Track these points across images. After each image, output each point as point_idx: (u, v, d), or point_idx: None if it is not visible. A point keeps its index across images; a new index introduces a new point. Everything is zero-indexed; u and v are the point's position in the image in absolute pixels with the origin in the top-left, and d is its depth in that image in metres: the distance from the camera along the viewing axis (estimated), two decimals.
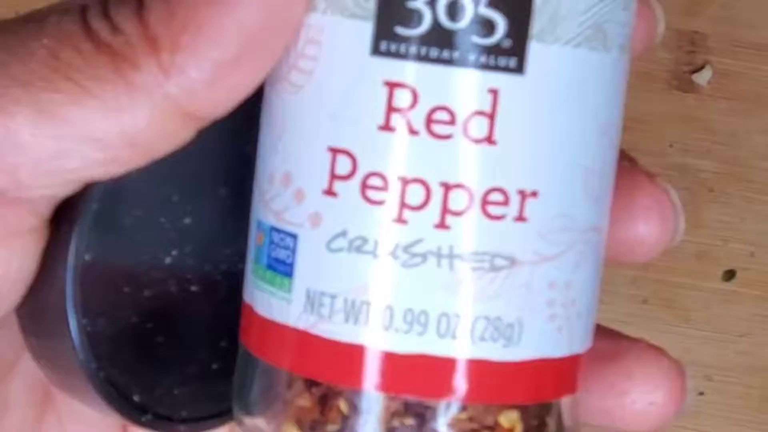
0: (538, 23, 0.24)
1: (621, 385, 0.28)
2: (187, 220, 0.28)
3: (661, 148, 0.51)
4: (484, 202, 0.24)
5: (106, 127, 0.24)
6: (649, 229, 0.28)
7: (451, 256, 0.24)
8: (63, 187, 0.25)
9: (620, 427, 0.29)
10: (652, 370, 0.28)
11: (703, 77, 0.51)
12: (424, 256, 0.24)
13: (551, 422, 0.26)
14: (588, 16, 0.24)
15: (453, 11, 0.23)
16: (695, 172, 0.51)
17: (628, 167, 0.28)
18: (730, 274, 0.51)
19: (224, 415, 0.28)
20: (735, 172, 0.51)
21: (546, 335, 0.25)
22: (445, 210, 0.24)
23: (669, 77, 0.51)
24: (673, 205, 0.28)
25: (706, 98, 0.51)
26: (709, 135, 0.51)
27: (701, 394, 0.51)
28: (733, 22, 0.51)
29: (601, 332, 0.28)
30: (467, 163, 0.24)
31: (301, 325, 0.25)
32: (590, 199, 0.25)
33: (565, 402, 0.26)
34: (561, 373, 0.26)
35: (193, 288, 0.28)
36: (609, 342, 0.29)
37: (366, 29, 0.24)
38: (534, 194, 0.24)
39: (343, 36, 0.24)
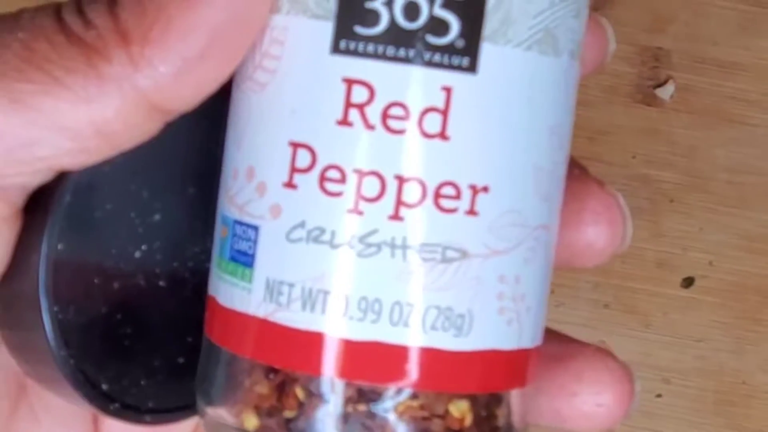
0: (490, 25, 0.25)
1: (570, 387, 0.29)
2: (157, 217, 0.28)
3: (625, 159, 0.52)
4: (437, 196, 0.25)
5: (76, 116, 0.25)
6: (597, 233, 0.29)
7: (405, 247, 0.25)
8: (34, 176, 0.26)
9: (570, 428, 0.30)
10: (601, 373, 0.29)
11: (665, 92, 0.52)
12: (378, 247, 0.25)
13: (500, 415, 0.27)
14: (539, 21, 0.25)
15: (409, 12, 0.24)
16: (657, 183, 0.52)
17: (579, 174, 0.29)
18: (688, 282, 0.52)
19: (190, 408, 0.29)
20: (695, 184, 0.52)
21: (496, 327, 0.26)
22: (399, 202, 0.25)
23: (633, 91, 0.52)
24: (621, 211, 0.29)
25: (669, 112, 0.52)
26: (670, 147, 0.52)
27: (659, 396, 0.52)
28: (696, 39, 0.52)
29: (552, 336, 0.29)
30: (421, 158, 0.25)
31: (261, 313, 0.26)
32: (540, 197, 0.26)
33: (515, 396, 0.27)
34: (510, 366, 0.26)
35: (161, 283, 0.29)
36: (559, 345, 0.30)
37: (326, 29, 0.25)
38: (485, 189, 0.25)
39: (305, 35, 0.25)
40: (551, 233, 0.27)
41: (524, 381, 0.27)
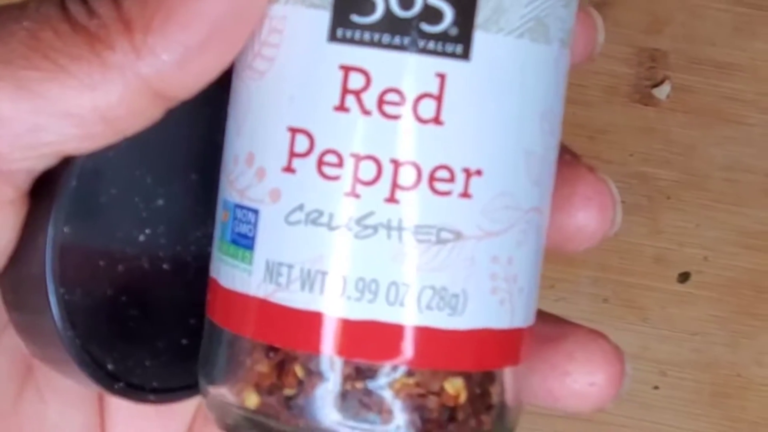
0: (482, 13, 0.25)
1: (563, 367, 0.30)
2: (160, 202, 0.29)
3: (622, 158, 0.52)
4: (432, 179, 0.26)
5: (80, 102, 0.25)
6: (588, 217, 0.29)
7: (400, 229, 0.26)
8: (39, 161, 0.26)
9: (562, 407, 0.30)
10: (593, 353, 0.30)
11: (662, 92, 0.52)
12: (375, 228, 0.26)
13: (494, 392, 0.27)
14: (530, 9, 0.26)
15: (404, 0, 0.25)
16: (654, 181, 0.53)
17: (571, 160, 0.29)
18: (685, 277, 0.53)
19: (193, 388, 0.29)
20: (691, 181, 0.53)
21: (489, 307, 0.26)
22: (395, 185, 0.25)
23: (631, 91, 0.53)
24: (611, 196, 0.30)
25: (666, 111, 0.53)
26: (667, 146, 0.53)
27: (656, 388, 0.52)
28: (692, 40, 0.53)
29: (546, 317, 0.30)
30: (416, 142, 0.25)
31: (261, 293, 0.26)
32: (531, 180, 0.27)
33: (508, 374, 0.28)
34: (503, 344, 0.27)
35: (165, 266, 0.29)
36: (552, 326, 0.30)
37: (324, 17, 0.25)
38: (478, 173, 0.26)
39: (303, 24, 0.26)
40: (543, 216, 0.27)
41: (517, 359, 0.28)
